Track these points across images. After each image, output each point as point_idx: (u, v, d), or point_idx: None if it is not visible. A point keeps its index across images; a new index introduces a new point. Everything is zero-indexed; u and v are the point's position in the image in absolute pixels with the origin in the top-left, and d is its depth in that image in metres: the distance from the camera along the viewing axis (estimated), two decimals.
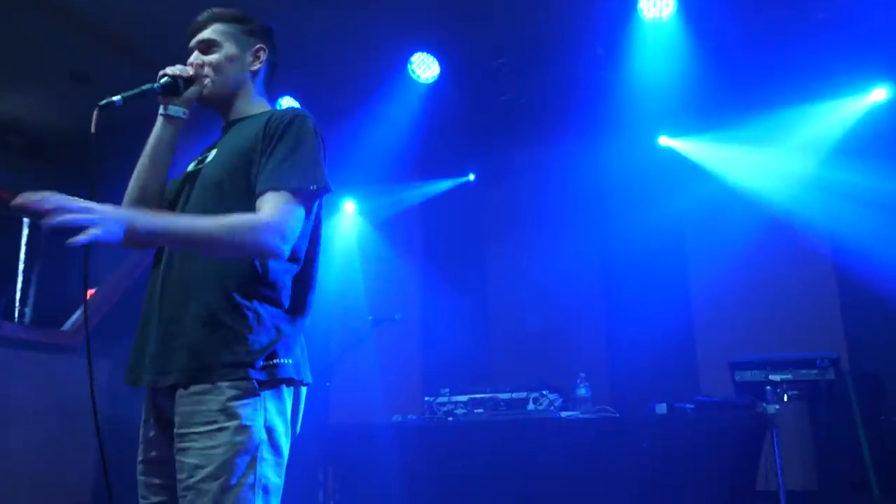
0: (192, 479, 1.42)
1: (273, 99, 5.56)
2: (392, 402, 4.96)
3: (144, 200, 1.72)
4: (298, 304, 1.62)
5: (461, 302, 5.54)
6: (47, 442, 4.68)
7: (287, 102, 5.58)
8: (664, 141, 5.40)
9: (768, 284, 4.55)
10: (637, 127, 5.12)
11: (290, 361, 1.56)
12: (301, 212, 1.54)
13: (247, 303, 1.51)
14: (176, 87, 1.71)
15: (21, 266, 7.00)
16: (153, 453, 1.60)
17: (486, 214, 5.95)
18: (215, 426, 1.43)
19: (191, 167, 1.76)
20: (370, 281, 5.69)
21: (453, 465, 3.48)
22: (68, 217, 1.35)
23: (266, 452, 1.48)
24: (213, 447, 1.42)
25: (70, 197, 1.38)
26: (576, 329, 5.13)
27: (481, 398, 3.57)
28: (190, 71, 1.74)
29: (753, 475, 2.79)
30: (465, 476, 3.46)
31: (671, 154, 5.33)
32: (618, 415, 3.29)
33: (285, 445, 1.55)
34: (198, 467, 1.42)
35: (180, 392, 1.49)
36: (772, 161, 4.87)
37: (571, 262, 5.22)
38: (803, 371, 3.00)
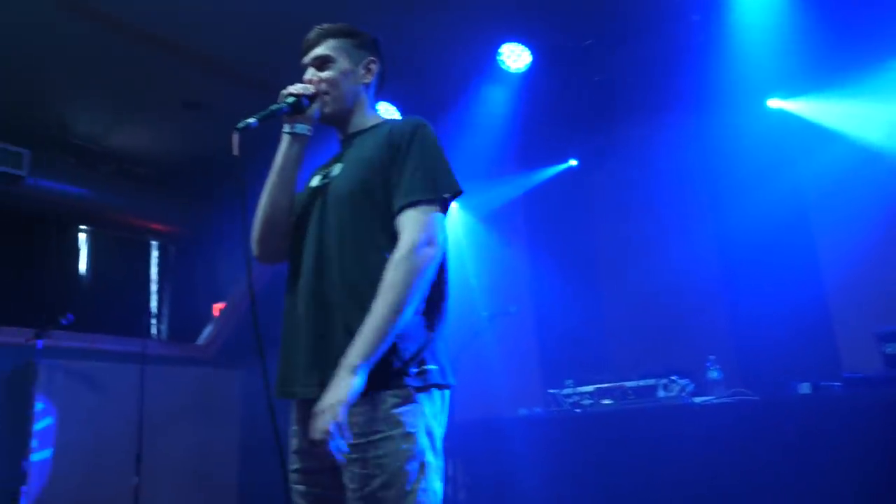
0: (368, 489, 1.46)
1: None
2: (513, 395, 4.95)
3: (276, 217, 1.78)
4: (437, 311, 1.66)
5: (573, 290, 5.45)
6: (193, 446, 5.01)
7: (382, 108, 5.68)
8: (774, 103, 5.11)
9: None
10: (743, 92, 4.86)
11: (437, 367, 1.60)
12: (440, 218, 1.61)
13: None
14: (300, 105, 1.77)
15: (153, 286, 7.48)
16: (305, 464, 1.65)
17: (591, 198, 5.83)
18: (380, 435, 1.48)
19: (315, 182, 1.81)
20: (481, 275, 5.70)
21: (584, 456, 3.43)
22: (338, 444, 1.40)
23: (431, 457, 1.53)
24: (381, 456, 1.46)
25: (327, 420, 1.41)
26: (697, 310, 4.93)
27: (608, 387, 3.50)
28: (311, 89, 1.79)
29: None
30: (597, 467, 3.40)
31: (784, 117, 5.03)
32: (757, 398, 3.13)
33: (441, 448, 1.59)
34: (370, 477, 1.46)
35: None
36: None
37: (686, 241, 5.02)
38: None
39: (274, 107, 1.75)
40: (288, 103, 1.76)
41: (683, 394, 3.30)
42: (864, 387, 2.82)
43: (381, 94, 6.07)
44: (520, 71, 5.16)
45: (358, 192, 1.65)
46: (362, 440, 1.47)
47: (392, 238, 1.59)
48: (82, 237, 7.07)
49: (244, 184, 1.68)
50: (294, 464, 1.68)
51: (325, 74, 1.81)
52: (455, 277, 1.81)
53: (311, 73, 1.83)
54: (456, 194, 1.64)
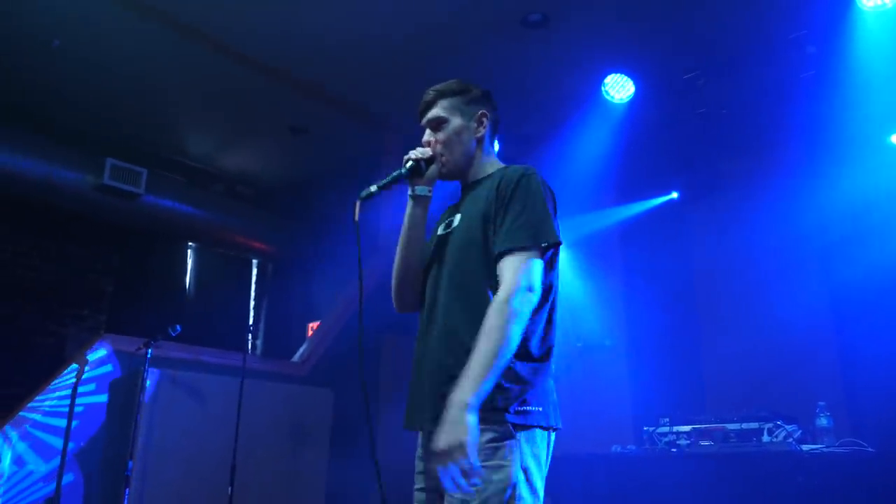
0: None
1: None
2: (604, 430, 4.84)
3: (408, 274, 1.93)
4: (544, 353, 1.72)
5: (669, 325, 5.30)
6: (284, 460, 5.13)
7: None
8: None
9: None
10: (862, 128, 4.64)
11: (541, 409, 1.67)
12: (538, 265, 1.67)
13: None
14: (419, 169, 1.88)
15: (251, 302, 7.78)
16: (429, 483, 1.78)
17: (692, 233, 5.67)
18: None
19: (440, 230, 1.94)
20: (576, 306, 5.63)
21: (679, 499, 3.30)
22: (459, 483, 1.47)
23: (524, 491, 1.59)
24: (474, 484, 1.51)
25: (456, 467, 1.48)
26: (804, 354, 4.68)
27: (707, 428, 3.37)
28: (429, 152, 1.90)
29: None
30: None
31: None
32: (872, 449, 2.94)
33: (540, 487, 1.64)
34: (464, 502, 1.56)
35: None
36: None
37: (794, 281, 4.80)
38: None
39: (395, 173, 1.87)
40: (408, 168, 1.87)
41: (790, 440, 3.13)
42: None
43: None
44: (623, 102, 5.13)
45: (472, 245, 1.76)
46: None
47: (484, 290, 1.69)
48: (189, 253, 7.46)
49: (360, 248, 1.81)
50: (418, 483, 1.84)
51: (440, 136, 1.90)
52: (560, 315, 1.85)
53: (428, 134, 1.93)
54: (553, 244, 1.70)
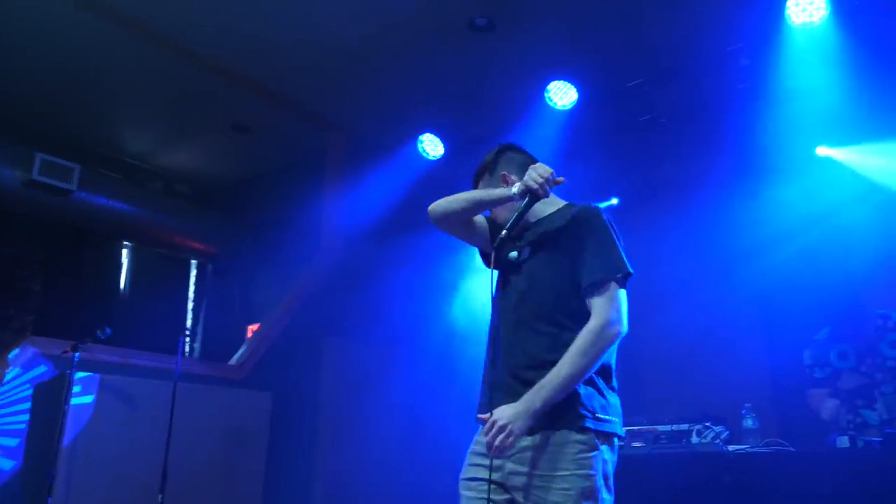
0: None
1: (415, 136, 5.70)
2: None
3: (464, 217, 2.18)
4: (613, 373, 1.98)
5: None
6: (219, 465, 5.02)
7: (428, 139, 5.75)
8: (822, 151, 5.04)
9: None
10: (792, 138, 4.81)
11: (616, 419, 1.92)
12: (623, 295, 1.92)
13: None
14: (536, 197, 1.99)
15: (190, 304, 7.60)
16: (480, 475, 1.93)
17: (630, 238, 5.76)
18: (566, 472, 1.78)
19: (513, 255, 2.09)
20: None
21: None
22: (504, 442, 1.76)
23: (605, 494, 1.81)
24: (566, 488, 1.76)
25: (504, 427, 1.76)
26: (732, 355, 4.83)
27: (639, 430, 3.43)
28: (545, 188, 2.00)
29: None
30: None
31: (831, 165, 4.96)
32: (793, 449, 3.04)
33: (613, 486, 1.87)
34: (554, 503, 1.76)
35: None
36: None
37: (725, 287, 4.94)
38: None
39: (518, 210, 1.99)
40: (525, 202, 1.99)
41: (717, 441, 3.22)
42: None
43: (427, 124, 6.14)
44: (566, 108, 5.19)
45: (557, 276, 1.96)
46: (548, 472, 1.78)
47: (572, 313, 1.91)
48: (125, 252, 7.23)
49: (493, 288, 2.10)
50: (471, 474, 1.96)
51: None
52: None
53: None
54: (630, 274, 1.94)
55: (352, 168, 6.05)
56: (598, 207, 2.02)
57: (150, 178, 7.02)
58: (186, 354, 6.91)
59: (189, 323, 7.49)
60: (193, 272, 7.65)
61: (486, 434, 1.77)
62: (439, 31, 4.82)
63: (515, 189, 1.98)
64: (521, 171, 2.08)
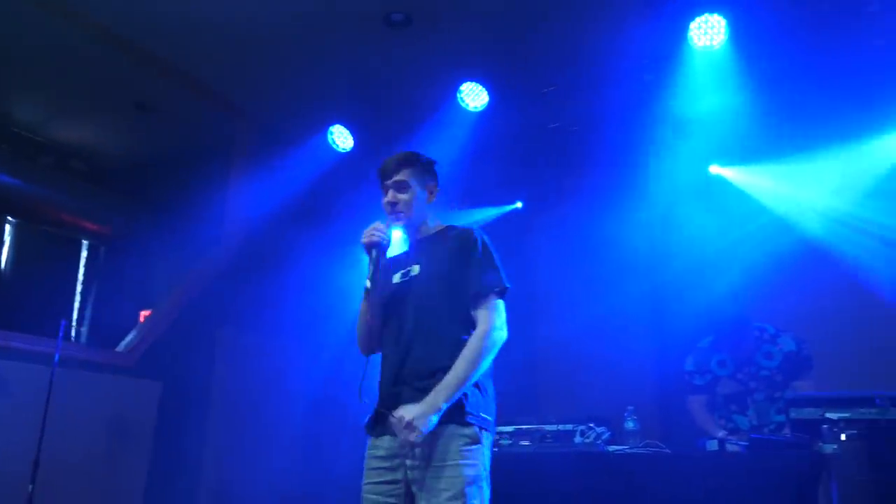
0: (438, 500, 1.99)
1: (325, 127, 5.62)
2: None
3: (374, 330, 2.33)
4: (490, 378, 2.23)
5: (508, 331, 5.47)
6: (99, 456, 4.80)
7: (338, 130, 5.69)
8: (715, 170, 5.32)
9: (814, 318, 4.41)
10: (688, 155, 5.05)
11: (492, 418, 2.16)
12: (503, 304, 2.21)
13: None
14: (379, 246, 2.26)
15: (79, 286, 7.21)
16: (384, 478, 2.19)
17: (533, 242, 5.91)
18: (453, 462, 2.02)
19: (397, 279, 2.32)
20: None
21: (495, 495, 3.41)
22: (413, 437, 1.98)
23: (484, 483, 2.06)
24: (454, 477, 2.00)
25: (413, 424, 1.98)
26: (624, 361, 5.02)
27: (527, 429, 3.51)
28: (378, 237, 2.25)
29: None
30: None
31: (723, 184, 5.24)
32: (668, 451, 3.19)
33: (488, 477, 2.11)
34: (443, 490, 1.99)
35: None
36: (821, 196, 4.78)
37: (621, 293, 5.13)
38: (862, 410, 2.88)
39: (371, 264, 2.22)
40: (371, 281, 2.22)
41: (599, 441, 3.33)
42: (769, 448, 2.90)
43: (339, 116, 6.05)
44: (477, 110, 5.26)
45: (443, 288, 2.19)
46: (439, 463, 2.00)
47: (461, 321, 2.16)
48: (7, 228, 6.79)
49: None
50: (376, 478, 2.13)
51: (402, 196, 2.30)
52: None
53: (391, 194, 2.31)
54: (507, 289, 2.22)
55: (259, 156, 5.91)
56: (475, 228, 2.29)
57: (41, 151, 6.62)
58: (72, 339, 6.56)
59: (77, 306, 7.11)
60: (84, 253, 7.26)
61: (398, 430, 2.00)
62: (355, 23, 4.76)
63: (367, 276, 2.21)
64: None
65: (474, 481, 2.00)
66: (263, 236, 5.79)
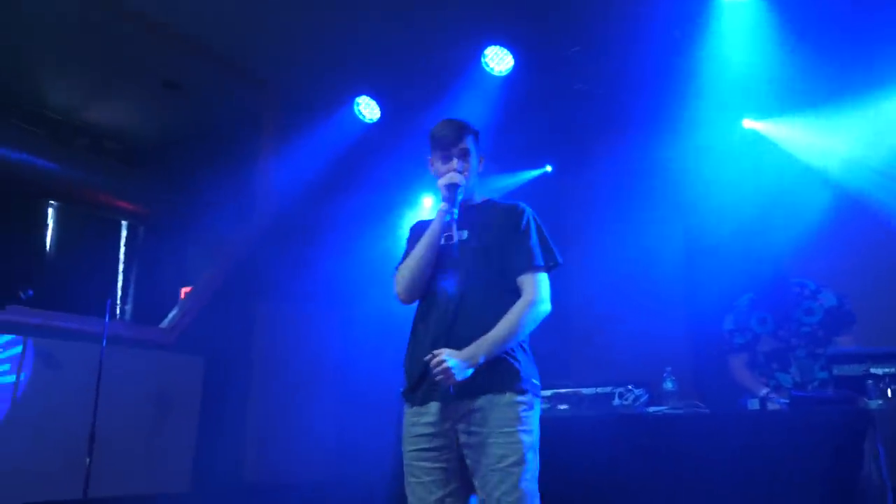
0: (502, 464, 2.01)
1: (351, 98, 5.59)
2: None
3: (425, 277, 2.28)
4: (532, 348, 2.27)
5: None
6: (151, 428, 4.96)
7: (364, 101, 5.68)
8: (748, 124, 5.20)
9: (854, 273, 4.32)
10: (720, 111, 4.94)
11: (539, 384, 2.19)
12: (548, 281, 2.22)
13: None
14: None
15: (121, 265, 7.39)
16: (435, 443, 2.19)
17: (564, 205, 5.87)
18: (512, 429, 2.03)
19: (443, 241, 2.29)
20: None
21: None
22: (448, 383, 1.99)
23: (537, 448, 2.09)
24: (515, 442, 2.02)
25: (451, 371, 1.98)
26: (658, 323, 5.00)
27: (564, 393, 3.53)
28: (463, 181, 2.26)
29: (856, 474, 2.65)
30: (546, 472, 3.42)
31: (757, 138, 5.13)
32: (708, 410, 3.18)
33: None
34: (505, 456, 2.00)
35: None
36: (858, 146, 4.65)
37: (653, 255, 5.10)
38: None
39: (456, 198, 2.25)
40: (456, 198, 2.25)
41: (638, 403, 3.34)
42: (811, 405, 2.87)
43: (363, 86, 6.00)
44: (502, 74, 5.19)
45: (492, 255, 2.20)
46: (499, 429, 2.01)
47: (509, 292, 2.16)
48: (50, 212, 6.95)
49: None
50: (421, 444, 2.12)
51: (466, 164, 2.29)
52: None
53: (456, 162, 2.29)
54: (557, 265, 2.25)
55: (287, 129, 5.94)
56: (523, 204, 2.31)
57: (76, 134, 6.73)
58: (116, 317, 6.74)
59: (120, 285, 7.29)
60: (124, 233, 7.42)
61: (434, 367, 1.98)
62: None
63: (443, 201, 2.23)
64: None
65: (532, 447, 2.04)
66: (295, 208, 5.84)
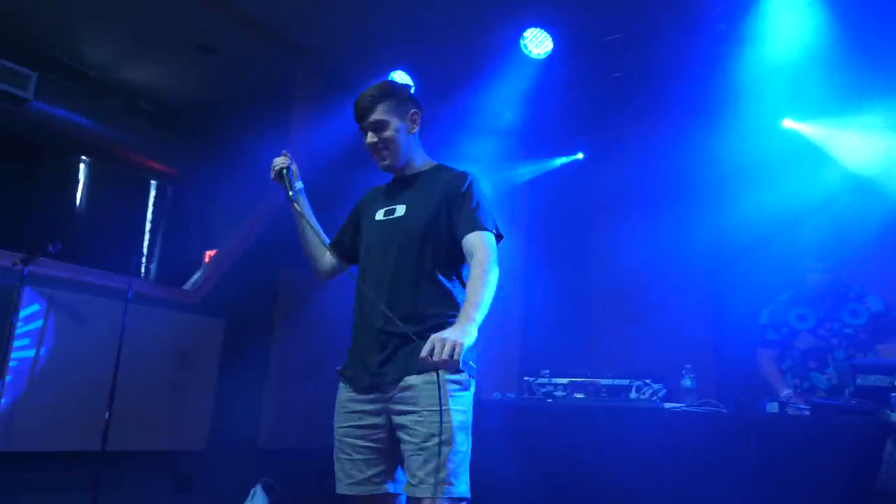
0: (428, 443, 1.94)
1: (386, 72, 5.57)
2: (490, 379, 4.98)
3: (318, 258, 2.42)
4: None
5: (564, 283, 5.45)
6: (168, 389, 5.03)
7: (399, 76, 5.64)
8: (788, 124, 5.10)
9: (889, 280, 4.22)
10: (759, 108, 4.84)
11: (475, 366, 2.09)
12: (495, 243, 2.08)
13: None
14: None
15: (148, 225, 7.46)
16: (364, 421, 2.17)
17: (594, 194, 5.82)
18: (445, 408, 1.95)
19: (380, 216, 2.23)
20: None
21: (548, 446, 3.46)
22: (457, 354, 1.79)
23: (469, 429, 2.03)
24: (445, 422, 1.93)
25: (458, 342, 1.79)
26: (682, 318, 4.96)
27: (582, 382, 3.53)
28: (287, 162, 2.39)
29: (872, 486, 2.63)
30: (560, 458, 3.43)
31: (795, 138, 5.03)
32: (725, 410, 3.16)
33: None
34: (433, 435, 1.93)
35: None
36: None
37: (682, 249, 5.03)
38: None
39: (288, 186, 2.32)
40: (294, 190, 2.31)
41: (655, 398, 3.32)
42: (832, 414, 2.84)
43: (400, 62, 5.96)
44: (540, 57, 5.12)
45: (431, 227, 2.11)
46: (430, 408, 1.93)
47: (447, 266, 2.10)
48: (82, 167, 7.03)
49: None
50: (351, 421, 2.10)
51: (383, 136, 2.17)
52: None
53: (370, 136, 2.19)
54: (500, 237, 2.12)
55: (321, 97, 5.92)
56: (469, 172, 2.19)
57: (111, 92, 6.78)
58: (141, 275, 6.82)
59: (146, 244, 7.36)
60: (153, 193, 7.48)
61: (432, 354, 1.80)
62: None
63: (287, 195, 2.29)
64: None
65: (463, 427, 1.98)
66: (325, 175, 5.83)
